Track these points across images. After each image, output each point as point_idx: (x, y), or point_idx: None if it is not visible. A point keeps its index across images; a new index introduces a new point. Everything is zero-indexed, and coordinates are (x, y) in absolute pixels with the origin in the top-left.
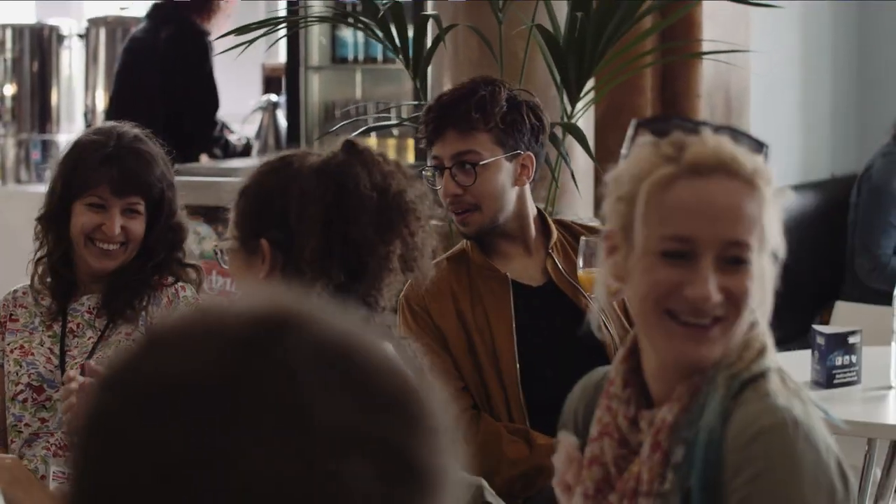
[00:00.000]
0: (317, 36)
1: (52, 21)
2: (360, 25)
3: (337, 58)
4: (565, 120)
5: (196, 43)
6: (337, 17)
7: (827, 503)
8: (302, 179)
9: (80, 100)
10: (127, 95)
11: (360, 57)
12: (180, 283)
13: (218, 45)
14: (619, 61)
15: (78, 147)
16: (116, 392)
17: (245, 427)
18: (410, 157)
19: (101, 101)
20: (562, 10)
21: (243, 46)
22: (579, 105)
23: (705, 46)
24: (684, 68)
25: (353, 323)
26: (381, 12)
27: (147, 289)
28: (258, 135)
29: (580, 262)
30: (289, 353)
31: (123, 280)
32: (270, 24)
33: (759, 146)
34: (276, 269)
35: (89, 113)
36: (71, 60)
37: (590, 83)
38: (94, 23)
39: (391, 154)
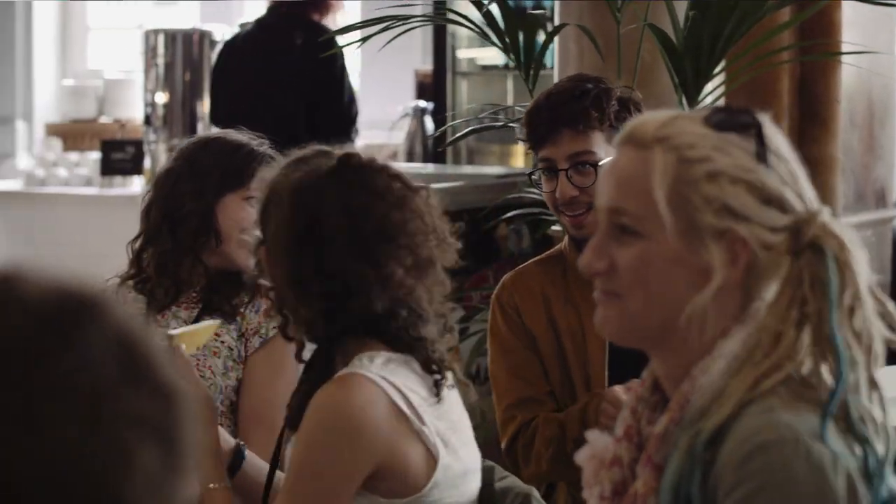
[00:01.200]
0: (467, 42)
1: (204, 27)
2: (466, 24)
3: (485, 64)
4: None
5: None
6: (441, 18)
7: None
8: (281, 199)
9: None
10: (259, 102)
11: (511, 63)
12: None
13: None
14: (748, 58)
15: (229, 148)
16: None
17: (46, 394)
18: None
19: None
20: (683, 9)
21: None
22: (699, 108)
23: (845, 49)
24: (823, 73)
25: (138, 317)
26: (485, 8)
27: (247, 290)
28: (406, 140)
29: None
30: (93, 335)
31: (226, 276)
32: (370, 24)
33: (748, 124)
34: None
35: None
36: None
37: (718, 80)
38: (244, 28)
39: (518, 162)
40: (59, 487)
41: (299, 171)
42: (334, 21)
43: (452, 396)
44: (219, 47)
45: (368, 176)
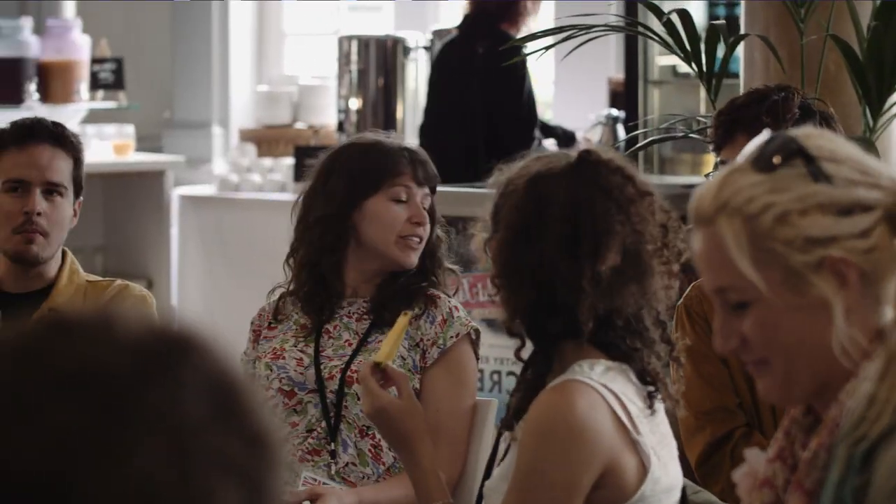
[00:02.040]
0: (659, 50)
1: (398, 33)
2: (648, 34)
3: (679, 72)
4: (867, 134)
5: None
6: (624, 28)
7: None
8: (516, 187)
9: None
10: (444, 110)
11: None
12: (454, 304)
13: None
14: None
15: (368, 148)
16: (22, 370)
17: (135, 428)
18: None
19: None
20: (867, 19)
21: (539, 54)
22: (882, 119)
23: None
24: None
25: (234, 361)
26: (666, 17)
27: (419, 299)
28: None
29: None
30: (187, 374)
31: (396, 287)
32: (551, 33)
33: (789, 152)
34: (491, 275)
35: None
36: (417, 73)
37: None
38: (438, 35)
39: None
40: None
41: (539, 163)
42: (526, 30)
43: (662, 410)
44: (418, 54)
45: (603, 173)
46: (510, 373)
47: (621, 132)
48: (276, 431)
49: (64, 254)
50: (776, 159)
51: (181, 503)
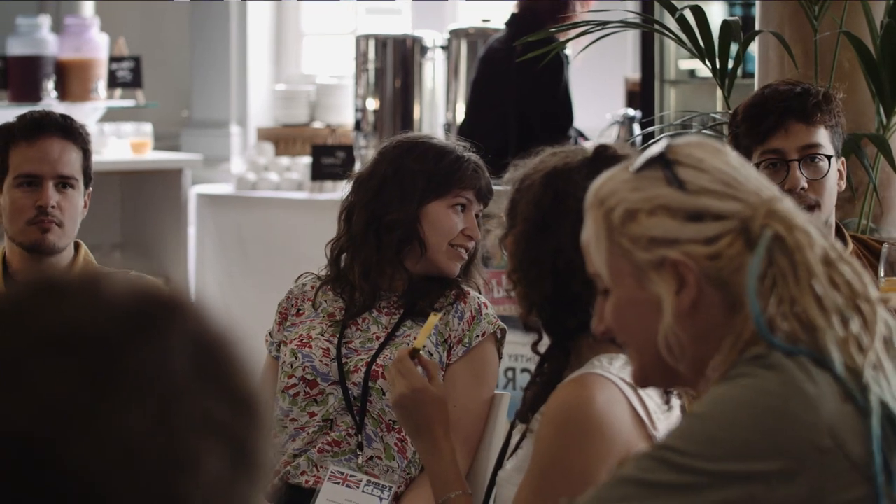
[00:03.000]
0: (675, 50)
1: (416, 32)
2: (662, 31)
3: (696, 72)
4: (880, 132)
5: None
6: (638, 24)
7: None
8: (533, 181)
9: (441, 112)
10: (482, 107)
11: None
12: (483, 301)
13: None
14: None
15: (441, 153)
16: (7, 330)
17: (120, 388)
18: None
19: (460, 113)
20: (880, 15)
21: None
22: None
23: None
24: None
25: (226, 324)
26: (679, 13)
27: (450, 294)
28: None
29: (881, 271)
30: (173, 336)
31: (428, 283)
32: (565, 28)
33: (651, 157)
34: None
35: (449, 126)
36: (434, 72)
37: None
38: (456, 34)
39: None
40: (120, 478)
41: (556, 158)
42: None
43: (678, 407)
44: (435, 54)
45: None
46: (524, 369)
47: (637, 132)
48: (261, 394)
49: (77, 245)
50: (641, 161)
51: (166, 464)
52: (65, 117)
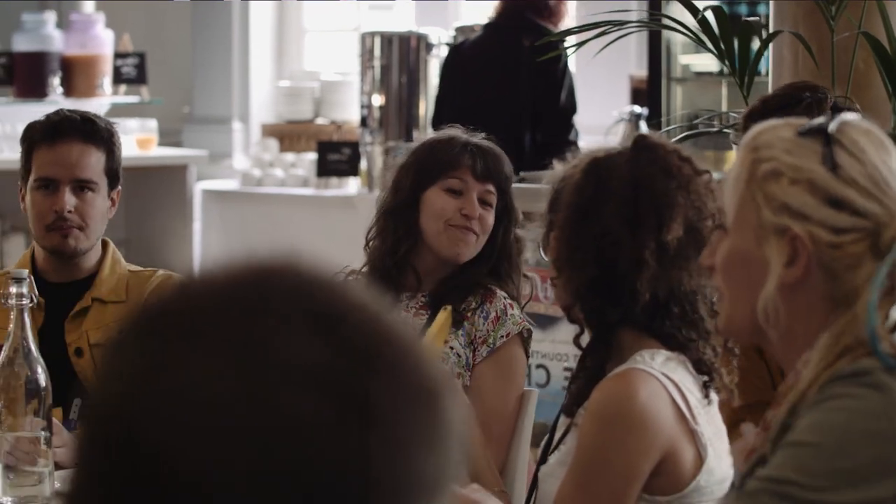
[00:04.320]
0: (681, 47)
1: (420, 29)
2: (682, 30)
3: (702, 70)
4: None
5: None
6: (657, 24)
7: None
8: (574, 173)
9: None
10: (481, 103)
11: (726, 69)
12: (509, 301)
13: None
14: None
15: (434, 141)
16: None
17: (200, 345)
18: None
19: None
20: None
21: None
22: None
23: None
24: None
25: (354, 287)
26: (700, 14)
27: (477, 294)
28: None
29: None
30: (269, 291)
31: (457, 280)
32: (586, 29)
33: (820, 128)
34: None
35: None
36: (439, 69)
37: None
38: (461, 31)
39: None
40: (202, 437)
41: (596, 151)
42: (559, 27)
43: (716, 402)
44: (441, 51)
45: (661, 154)
46: (539, 365)
47: (644, 129)
48: (392, 342)
49: (105, 244)
50: (807, 126)
51: (247, 417)
52: (86, 120)
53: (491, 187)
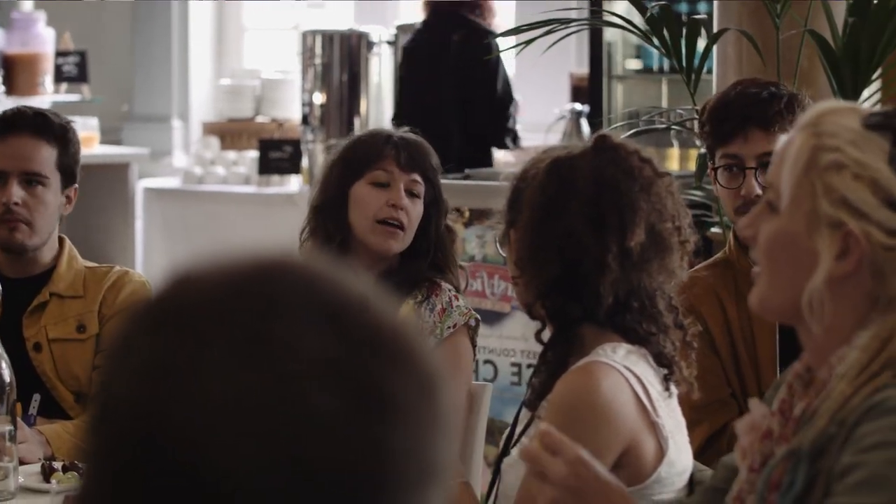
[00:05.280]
0: (622, 46)
1: (361, 28)
2: (629, 28)
3: (643, 67)
4: None
5: (486, 43)
6: (603, 22)
7: None
8: (538, 171)
9: (388, 106)
10: (418, 100)
11: (666, 66)
12: (454, 293)
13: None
14: None
15: (357, 138)
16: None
17: (213, 342)
18: (691, 166)
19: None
20: (841, 14)
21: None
22: None
23: None
24: None
25: (356, 280)
26: (649, 13)
27: (421, 289)
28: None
29: None
30: (276, 286)
31: (397, 277)
32: (533, 28)
33: (889, 126)
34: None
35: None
36: (381, 67)
37: (876, 86)
38: (402, 29)
39: (673, 165)
40: (221, 426)
41: (556, 151)
42: (490, 23)
43: (675, 395)
44: (382, 49)
45: (622, 155)
46: (487, 361)
47: (585, 126)
48: (396, 333)
49: (62, 241)
50: (875, 119)
51: (269, 407)
52: (39, 114)
53: (417, 177)
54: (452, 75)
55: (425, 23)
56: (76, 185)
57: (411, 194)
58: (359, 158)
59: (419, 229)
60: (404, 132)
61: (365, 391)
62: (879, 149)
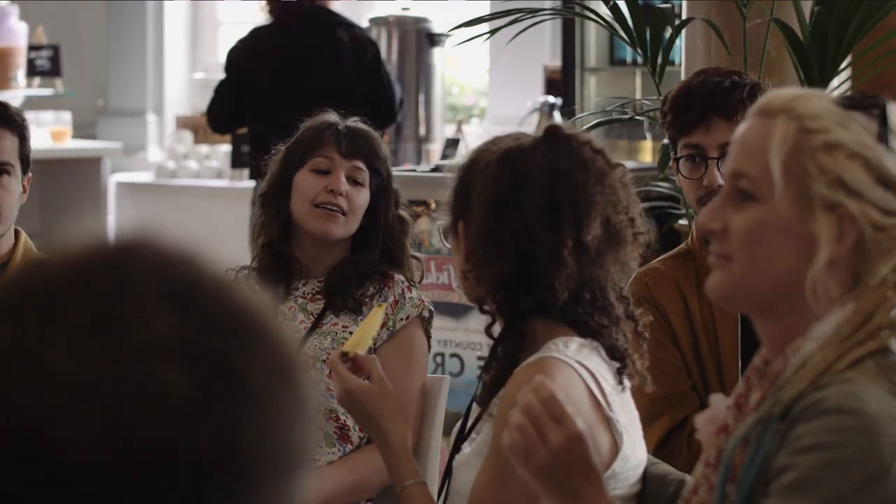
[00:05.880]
0: (595, 38)
1: None
2: (594, 19)
3: (615, 60)
4: None
5: (369, 41)
6: (570, 11)
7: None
8: (488, 162)
9: None
10: (294, 96)
11: (639, 59)
12: (407, 284)
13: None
14: (875, 54)
15: (304, 127)
16: None
17: (60, 323)
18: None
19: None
20: (808, 5)
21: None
22: None
23: None
24: None
25: (209, 262)
26: (612, 2)
27: (373, 281)
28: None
29: None
30: (127, 267)
31: (349, 269)
32: (498, 17)
33: (872, 105)
34: (465, 253)
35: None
36: None
37: (844, 75)
38: (376, 23)
39: (646, 157)
40: (67, 416)
41: (506, 141)
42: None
43: (629, 389)
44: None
45: (574, 146)
46: (453, 354)
47: (558, 119)
48: (248, 315)
49: (17, 233)
50: (851, 101)
51: (115, 392)
52: (1, 104)
53: (359, 164)
54: (326, 68)
55: (282, 18)
56: (30, 174)
57: (354, 182)
58: (302, 147)
59: (368, 219)
60: (352, 121)
61: (214, 371)
62: (866, 128)
